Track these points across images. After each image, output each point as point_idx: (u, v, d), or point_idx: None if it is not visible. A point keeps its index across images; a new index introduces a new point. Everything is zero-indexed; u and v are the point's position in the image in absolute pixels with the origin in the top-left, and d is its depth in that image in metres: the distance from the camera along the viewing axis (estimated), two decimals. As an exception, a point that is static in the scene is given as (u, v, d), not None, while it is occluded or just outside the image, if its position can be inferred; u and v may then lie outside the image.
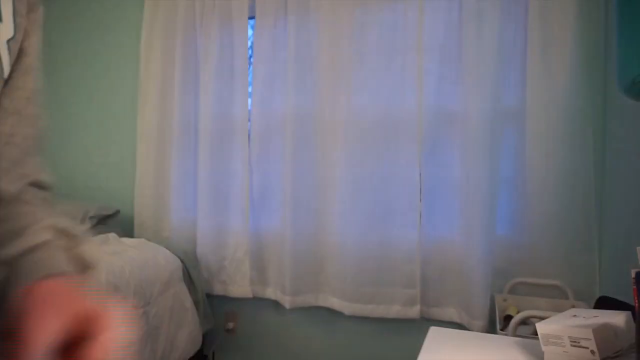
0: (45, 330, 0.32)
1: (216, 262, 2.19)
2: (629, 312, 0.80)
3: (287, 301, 2.01)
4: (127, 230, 2.44)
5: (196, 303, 2.08)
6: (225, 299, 2.27)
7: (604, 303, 1.32)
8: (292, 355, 2.16)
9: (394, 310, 1.88)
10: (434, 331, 1.03)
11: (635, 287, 0.75)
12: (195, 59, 2.24)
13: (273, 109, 2.08)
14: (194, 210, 2.25)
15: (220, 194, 2.19)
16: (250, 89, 2.14)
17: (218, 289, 2.20)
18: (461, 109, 1.78)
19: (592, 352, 0.74)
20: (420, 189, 1.85)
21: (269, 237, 2.13)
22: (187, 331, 1.95)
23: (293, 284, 2.00)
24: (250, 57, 2.19)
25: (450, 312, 1.84)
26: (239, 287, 2.16)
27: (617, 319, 0.78)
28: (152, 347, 1.77)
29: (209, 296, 2.23)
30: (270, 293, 2.13)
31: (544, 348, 0.81)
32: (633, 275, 0.74)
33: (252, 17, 2.27)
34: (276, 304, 2.17)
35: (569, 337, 0.77)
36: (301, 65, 2.00)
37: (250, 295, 2.15)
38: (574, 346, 0.76)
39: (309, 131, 1.99)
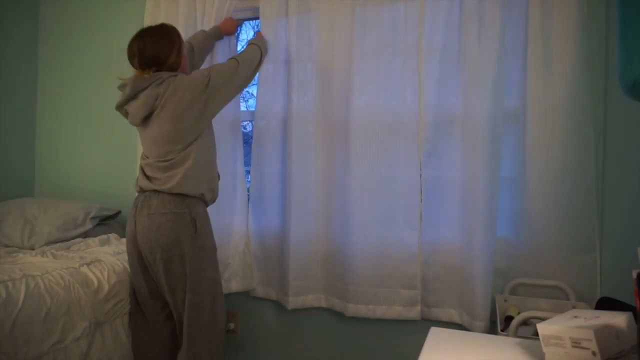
0: None
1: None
2: (630, 313, 0.80)
3: (288, 302, 2.01)
4: (128, 230, 2.44)
5: (197, 303, 2.08)
6: (226, 300, 2.27)
7: (605, 304, 1.32)
8: (293, 356, 2.16)
9: (395, 311, 1.88)
10: (434, 332, 1.02)
11: (636, 287, 0.74)
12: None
13: (275, 109, 2.08)
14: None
15: (220, 194, 2.19)
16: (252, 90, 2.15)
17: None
18: (462, 110, 1.78)
19: (593, 353, 0.74)
20: (421, 189, 1.85)
21: (270, 238, 2.13)
22: (188, 332, 1.95)
23: (294, 285, 2.00)
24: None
25: (451, 313, 1.83)
26: (242, 280, 2.16)
27: (619, 320, 0.78)
28: (153, 348, 1.76)
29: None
30: (272, 294, 2.13)
31: (545, 349, 0.81)
32: (634, 276, 0.74)
33: (253, 18, 2.27)
34: (277, 305, 2.17)
35: (570, 338, 0.77)
36: (302, 66, 2.00)
37: (254, 287, 2.15)
38: (575, 347, 0.76)
39: (310, 132, 1.99)
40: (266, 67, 2.08)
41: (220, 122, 2.16)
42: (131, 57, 1.61)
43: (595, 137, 1.65)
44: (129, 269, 1.68)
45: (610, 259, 1.59)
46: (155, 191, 1.55)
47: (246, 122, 2.53)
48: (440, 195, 1.83)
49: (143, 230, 1.53)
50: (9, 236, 2.04)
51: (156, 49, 1.57)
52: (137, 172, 1.70)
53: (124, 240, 2.07)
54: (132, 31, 2.47)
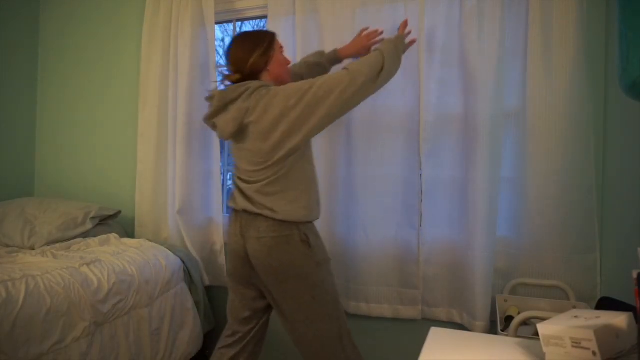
0: None
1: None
2: (631, 313, 0.80)
3: None
4: (128, 231, 2.44)
5: (197, 304, 2.08)
6: (226, 300, 2.27)
7: (606, 304, 1.32)
8: (293, 355, 2.16)
9: (395, 311, 1.88)
10: (434, 332, 1.02)
11: (637, 288, 0.74)
12: (197, 59, 2.24)
13: None
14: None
15: (196, 193, 2.24)
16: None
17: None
18: (462, 109, 1.78)
19: (594, 353, 0.74)
20: (421, 189, 1.85)
21: None
22: (189, 332, 1.95)
23: None
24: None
25: (451, 313, 1.84)
26: (216, 278, 2.22)
27: (619, 320, 0.78)
28: (153, 348, 1.77)
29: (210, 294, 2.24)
30: None
31: (545, 349, 0.81)
32: (634, 276, 0.74)
33: (257, 18, 2.28)
34: (277, 305, 2.16)
35: (570, 338, 0.77)
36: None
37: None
38: (575, 347, 0.76)
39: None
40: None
41: (196, 122, 2.19)
42: (227, 64, 1.52)
43: (595, 137, 1.65)
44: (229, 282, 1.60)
45: (611, 259, 1.59)
46: (259, 214, 1.42)
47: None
48: (440, 195, 1.83)
49: (255, 254, 1.43)
50: (9, 236, 2.04)
51: (237, 51, 1.47)
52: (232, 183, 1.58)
53: (124, 240, 2.07)
54: (132, 32, 2.50)
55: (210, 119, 1.50)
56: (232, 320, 1.59)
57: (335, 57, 1.77)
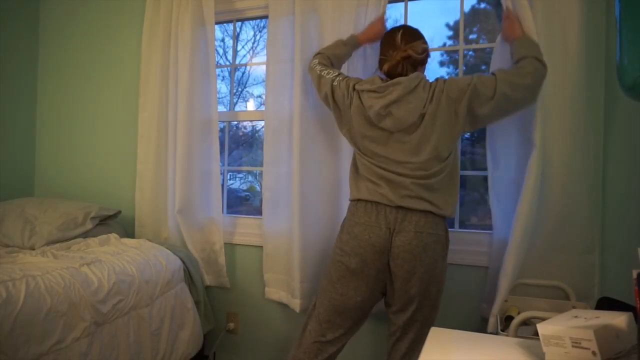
0: None
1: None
2: (631, 313, 0.80)
3: (297, 305, 1.98)
4: (128, 231, 2.44)
5: (197, 303, 2.08)
6: (226, 300, 2.27)
7: (606, 304, 1.32)
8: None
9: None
10: (434, 332, 1.02)
11: (637, 287, 0.74)
12: (197, 59, 2.24)
13: (282, 110, 2.06)
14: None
15: (196, 192, 2.25)
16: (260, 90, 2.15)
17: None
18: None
19: (594, 353, 0.74)
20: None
21: (277, 239, 2.10)
22: (189, 332, 1.95)
23: (303, 287, 1.97)
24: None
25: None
26: (217, 277, 2.24)
27: (619, 320, 0.78)
28: (153, 347, 1.77)
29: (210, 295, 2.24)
30: (283, 296, 2.09)
31: (545, 349, 0.81)
32: (634, 276, 0.74)
33: (257, 18, 2.28)
34: (277, 305, 2.16)
35: (570, 338, 0.77)
36: (305, 66, 1.98)
37: (227, 285, 2.13)
38: (575, 347, 0.76)
39: (316, 131, 1.98)
40: (273, 67, 2.06)
41: (196, 122, 2.19)
42: (391, 49, 1.55)
43: (595, 137, 1.65)
44: (332, 277, 1.58)
45: (611, 259, 1.59)
46: (421, 210, 1.45)
47: (236, 123, 2.53)
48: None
49: (408, 248, 1.44)
50: (9, 236, 2.04)
51: (414, 40, 1.54)
52: (361, 177, 1.57)
53: (124, 240, 2.07)
54: (132, 32, 2.50)
55: (388, 107, 1.47)
56: (337, 316, 1.57)
57: (356, 43, 1.80)
